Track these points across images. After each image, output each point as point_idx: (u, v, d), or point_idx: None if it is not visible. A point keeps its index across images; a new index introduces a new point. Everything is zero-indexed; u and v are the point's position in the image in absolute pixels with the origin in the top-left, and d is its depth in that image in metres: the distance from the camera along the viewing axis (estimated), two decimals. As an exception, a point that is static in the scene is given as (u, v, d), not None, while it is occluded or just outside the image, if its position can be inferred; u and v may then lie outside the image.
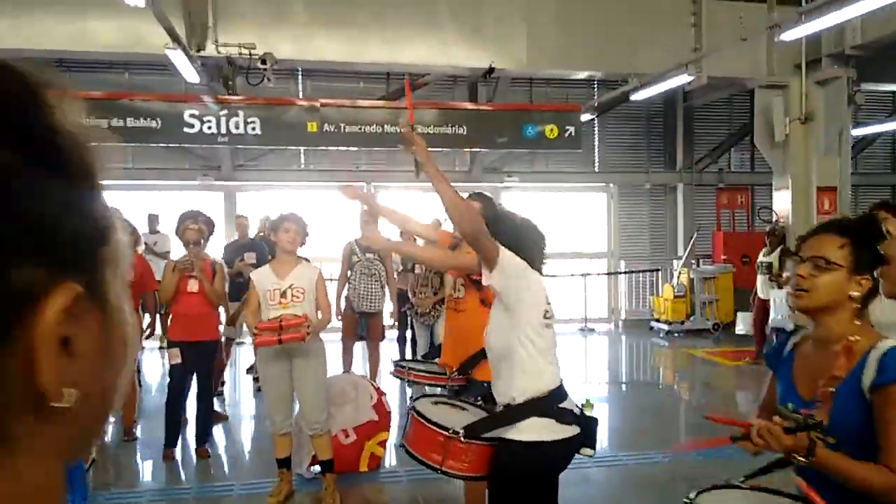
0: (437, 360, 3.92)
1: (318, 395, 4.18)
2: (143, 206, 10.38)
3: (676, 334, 10.93)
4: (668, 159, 12.52)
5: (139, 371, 6.55)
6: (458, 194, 2.57)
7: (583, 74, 9.40)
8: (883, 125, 12.05)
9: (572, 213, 12.17)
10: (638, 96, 8.74)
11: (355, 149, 9.30)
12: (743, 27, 8.27)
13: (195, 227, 5.09)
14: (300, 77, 11.07)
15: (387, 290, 6.96)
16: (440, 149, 9.40)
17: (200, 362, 5.14)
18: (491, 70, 8.12)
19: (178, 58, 6.57)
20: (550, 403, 2.52)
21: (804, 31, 6.46)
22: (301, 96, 10.82)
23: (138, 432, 5.83)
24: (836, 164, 8.88)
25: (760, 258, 8.47)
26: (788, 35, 6.62)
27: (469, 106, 8.49)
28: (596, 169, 12.22)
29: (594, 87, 11.79)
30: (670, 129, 12.43)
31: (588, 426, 2.60)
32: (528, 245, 2.63)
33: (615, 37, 8.46)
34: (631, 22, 8.51)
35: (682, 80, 7.90)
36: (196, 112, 7.75)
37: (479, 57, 8.23)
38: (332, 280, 7.91)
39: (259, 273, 4.30)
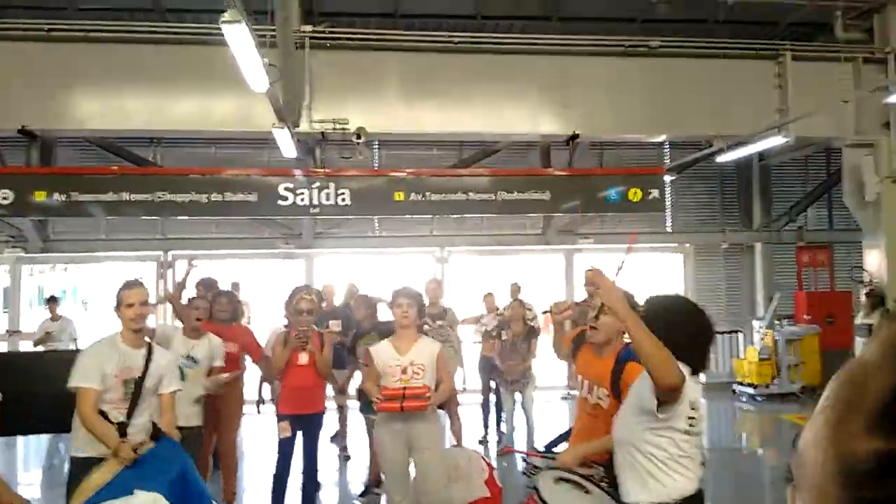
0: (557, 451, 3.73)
1: (439, 468, 4.14)
2: (225, 273, 10.68)
3: (760, 398, 10.55)
4: (743, 218, 12.35)
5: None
6: (659, 344, 2.31)
7: (662, 137, 9.44)
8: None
9: (646, 274, 12.01)
10: (725, 158, 8.74)
11: (438, 217, 9.48)
12: (827, 87, 8.29)
13: (309, 298, 5.19)
14: (376, 147, 11.39)
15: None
16: (524, 214, 9.51)
17: (309, 435, 5.15)
18: (575, 136, 8.23)
19: (283, 136, 6.85)
20: None
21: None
22: (377, 165, 11.13)
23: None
24: (932, 222, 8.64)
25: (859, 320, 8.21)
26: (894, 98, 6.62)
27: (554, 172, 8.59)
28: (669, 229, 12.12)
29: (665, 148, 11.82)
30: (745, 187, 12.30)
31: None
32: (688, 345, 2.44)
33: (697, 100, 8.53)
34: (711, 84, 8.58)
35: (774, 141, 7.88)
36: (290, 185, 8.02)
37: (564, 124, 8.37)
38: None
39: (378, 348, 4.34)
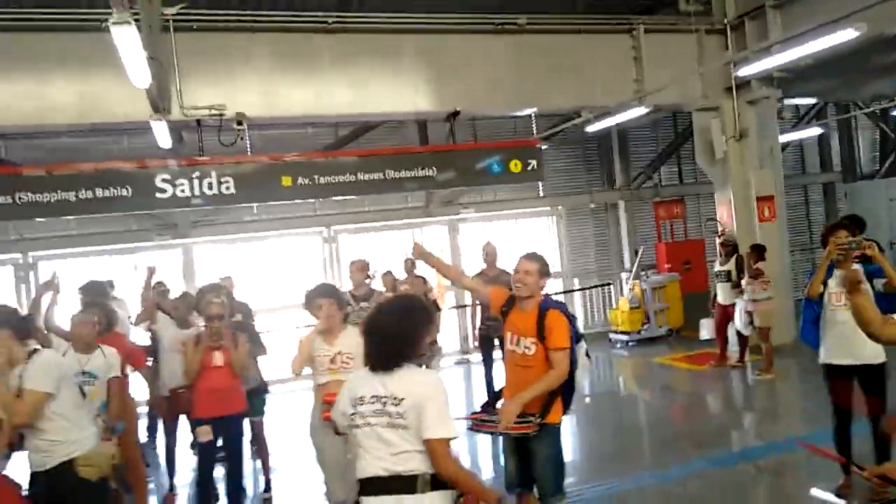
0: (495, 408, 3.96)
1: None
2: (95, 272, 9.97)
3: (632, 343, 11.52)
4: (606, 179, 13.25)
5: (145, 447, 6.33)
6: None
7: (533, 110, 9.87)
8: (792, 134, 13.26)
9: (524, 238, 12.63)
10: (593, 127, 9.34)
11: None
12: (676, 57, 9.05)
13: (219, 301, 5.07)
14: (246, 129, 10.96)
15: None
16: (412, 191, 9.67)
17: (231, 437, 5.09)
18: (456, 113, 8.46)
19: (160, 127, 6.52)
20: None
21: (757, 68, 7.25)
22: (250, 148, 10.79)
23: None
24: (771, 175, 9.75)
25: (717, 267, 9.14)
26: (744, 71, 7.39)
27: (438, 148, 8.79)
28: (541, 194, 12.76)
29: (532, 118, 12.36)
30: (606, 150, 13.17)
31: None
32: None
33: (562, 74, 8.98)
34: (574, 57, 9.06)
35: (634, 111, 8.52)
36: (167, 176, 7.64)
37: (442, 101, 8.55)
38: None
39: (310, 337, 4.40)
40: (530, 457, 3.77)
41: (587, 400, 8.63)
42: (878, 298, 4.25)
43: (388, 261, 9.57)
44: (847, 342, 4.44)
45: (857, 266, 4.48)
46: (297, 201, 10.53)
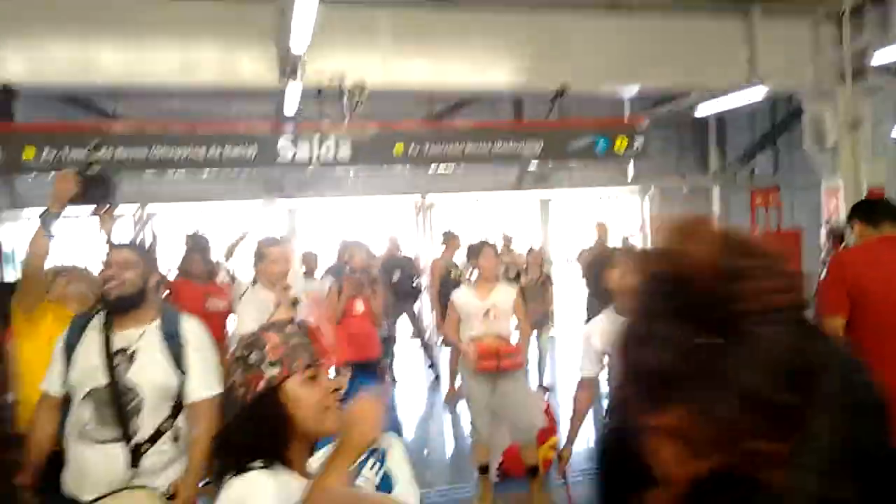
0: None
1: (530, 404, 4.56)
2: (200, 223, 10.47)
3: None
4: (699, 164, 13.11)
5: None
6: None
7: (640, 87, 9.85)
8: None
9: (609, 219, 12.62)
10: (702, 112, 9.28)
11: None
12: (791, 42, 8.90)
13: (363, 256, 5.45)
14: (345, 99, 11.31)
15: None
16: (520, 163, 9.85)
17: (366, 381, 5.46)
18: (563, 91, 8.55)
19: (293, 90, 6.86)
20: None
21: (878, 57, 7.09)
22: (348, 117, 11.13)
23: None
24: (884, 164, 9.50)
25: (823, 256, 9.01)
26: (876, 60, 7.27)
27: (547, 123, 8.92)
28: (630, 174, 12.73)
29: (625, 104, 12.27)
30: (701, 135, 13.02)
31: None
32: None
33: (673, 53, 8.94)
34: (686, 38, 9.01)
35: (753, 93, 8.44)
36: (290, 138, 8.04)
37: (549, 77, 8.65)
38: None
39: (460, 293, 4.66)
40: None
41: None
42: None
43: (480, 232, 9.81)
44: None
45: None
46: (391, 172, 10.91)
